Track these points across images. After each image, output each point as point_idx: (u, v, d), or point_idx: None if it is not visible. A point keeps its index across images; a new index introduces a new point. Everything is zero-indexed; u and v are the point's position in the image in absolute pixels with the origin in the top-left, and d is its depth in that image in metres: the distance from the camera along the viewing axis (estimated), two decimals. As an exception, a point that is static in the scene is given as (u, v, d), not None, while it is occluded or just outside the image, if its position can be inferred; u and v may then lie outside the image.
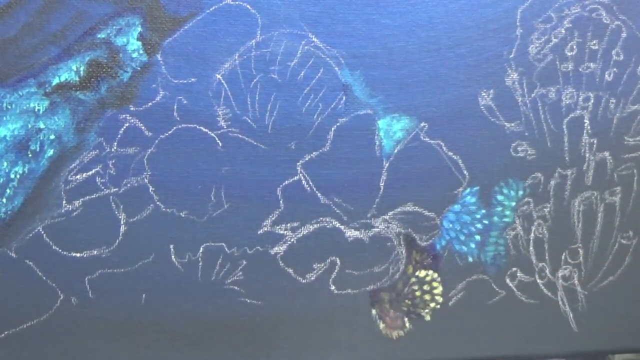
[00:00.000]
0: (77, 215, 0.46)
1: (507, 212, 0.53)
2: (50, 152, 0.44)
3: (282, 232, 0.49)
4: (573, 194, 0.54)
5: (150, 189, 0.46)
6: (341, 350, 0.53)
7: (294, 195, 0.49)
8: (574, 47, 0.51)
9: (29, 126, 0.43)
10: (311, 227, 0.50)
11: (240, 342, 0.51)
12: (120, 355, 0.49)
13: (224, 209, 0.48)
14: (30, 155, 0.44)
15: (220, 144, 0.47)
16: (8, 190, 0.44)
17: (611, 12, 0.51)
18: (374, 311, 0.53)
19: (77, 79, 0.43)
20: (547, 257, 0.54)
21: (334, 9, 0.45)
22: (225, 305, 0.50)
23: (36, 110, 0.43)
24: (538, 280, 0.54)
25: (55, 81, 0.43)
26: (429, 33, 0.47)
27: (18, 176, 0.44)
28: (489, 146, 0.51)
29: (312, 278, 0.51)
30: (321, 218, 0.50)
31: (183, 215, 0.47)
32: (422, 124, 0.50)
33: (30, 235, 0.45)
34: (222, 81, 0.45)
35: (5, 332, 0.47)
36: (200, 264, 0.49)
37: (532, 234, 0.54)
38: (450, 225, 0.53)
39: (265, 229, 0.49)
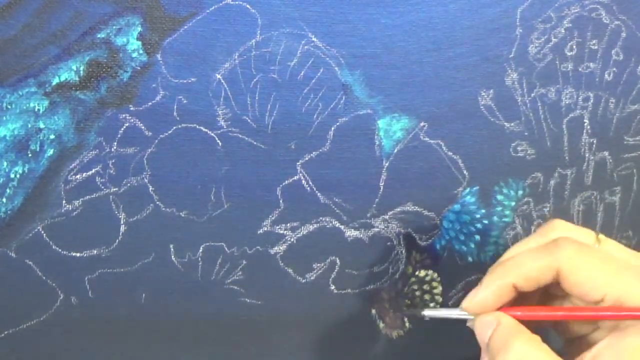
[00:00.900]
0: (77, 215, 0.46)
1: (507, 212, 0.53)
2: (50, 151, 0.44)
3: (282, 231, 0.49)
4: (573, 194, 0.54)
5: (150, 188, 0.46)
6: (341, 350, 0.53)
7: (294, 195, 0.49)
8: (574, 47, 0.51)
9: (29, 126, 0.43)
10: (311, 226, 0.50)
11: (240, 342, 0.51)
12: (120, 355, 0.49)
13: (223, 208, 0.48)
14: (30, 155, 0.44)
15: (220, 144, 0.47)
16: (8, 190, 0.44)
17: (611, 12, 0.51)
18: (373, 311, 0.53)
19: (77, 78, 0.43)
20: (547, 257, 0.54)
21: (334, 9, 0.45)
22: (225, 305, 0.50)
23: (36, 110, 0.43)
24: (538, 280, 0.54)
25: (55, 81, 0.43)
26: (429, 33, 0.47)
27: (18, 176, 0.44)
28: (488, 146, 0.51)
29: (312, 278, 0.51)
30: (321, 218, 0.50)
31: (183, 215, 0.47)
32: (422, 124, 0.50)
33: (30, 235, 0.45)
34: (222, 81, 0.45)
35: (5, 332, 0.47)
36: (200, 263, 0.49)
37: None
38: (450, 225, 0.53)
39: (265, 229, 0.49)
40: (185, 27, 0.44)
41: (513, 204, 0.53)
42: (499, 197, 0.53)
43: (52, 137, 0.44)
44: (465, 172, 0.52)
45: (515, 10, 0.49)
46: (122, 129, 0.45)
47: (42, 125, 0.44)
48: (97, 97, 0.44)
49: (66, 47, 0.43)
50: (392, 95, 0.48)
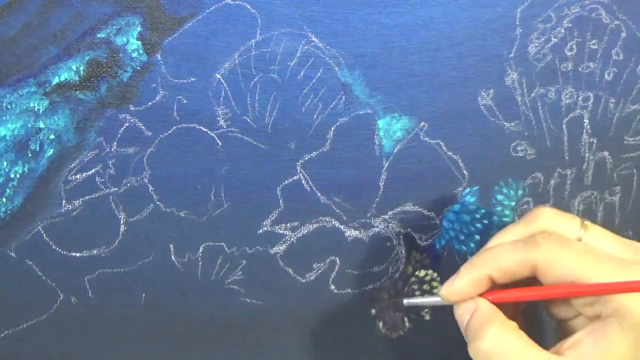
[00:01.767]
0: (77, 215, 0.46)
1: (507, 212, 0.53)
2: (50, 151, 0.44)
3: (282, 231, 0.49)
4: (573, 194, 0.54)
5: (150, 188, 0.46)
6: (341, 350, 0.53)
7: (294, 195, 0.49)
8: (574, 46, 0.51)
9: (29, 126, 0.43)
10: (311, 226, 0.50)
11: (240, 342, 0.51)
12: (120, 355, 0.49)
13: (223, 208, 0.48)
14: (30, 155, 0.44)
15: (220, 144, 0.47)
16: (8, 190, 0.44)
17: (611, 12, 0.51)
18: (373, 311, 0.53)
19: (77, 78, 0.43)
20: (546, 257, 0.54)
21: (334, 9, 0.45)
22: (225, 305, 0.50)
23: (36, 110, 0.43)
24: (538, 280, 0.54)
25: (55, 81, 0.43)
26: (428, 33, 0.47)
27: (18, 176, 0.44)
28: (488, 146, 0.51)
29: (311, 278, 0.51)
30: (321, 218, 0.50)
31: (183, 215, 0.47)
32: (422, 124, 0.50)
33: (30, 235, 0.45)
34: (222, 81, 0.45)
35: (5, 332, 0.47)
36: (200, 263, 0.49)
37: (531, 234, 0.54)
38: (450, 224, 0.53)
39: (265, 229, 0.49)
40: (185, 27, 0.44)
41: (513, 203, 0.53)
42: (499, 197, 0.53)
43: (52, 137, 0.44)
44: (465, 172, 0.52)
45: (515, 10, 0.49)
46: (122, 129, 0.45)
47: (42, 125, 0.44)
48: (97, 97, 0.44)
49: (66, 47, 0.43)
50: (392, 95, 0.48)
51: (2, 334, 0.47)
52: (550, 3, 0.50)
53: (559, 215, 0.41)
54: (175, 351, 0.50)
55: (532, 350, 0.37)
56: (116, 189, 0.46)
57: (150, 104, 0.45)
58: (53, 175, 0.45)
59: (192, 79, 0.45)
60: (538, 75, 0.51)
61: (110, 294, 0.48)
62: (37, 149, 0.44)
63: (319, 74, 0.47)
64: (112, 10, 0.43)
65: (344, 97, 0.48)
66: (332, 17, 0.46)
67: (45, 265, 0.46)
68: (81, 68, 0.43)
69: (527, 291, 0.40)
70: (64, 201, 0.45)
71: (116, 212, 0.46)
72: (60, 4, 0.42)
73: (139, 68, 0.44)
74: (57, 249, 0.46)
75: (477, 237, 0.53)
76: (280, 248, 0.50)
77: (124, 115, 0.45)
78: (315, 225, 0.50)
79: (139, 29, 0.44)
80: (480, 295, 0.40)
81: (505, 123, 0.51)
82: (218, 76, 0.45)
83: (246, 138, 0.47)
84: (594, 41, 0.51)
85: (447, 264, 0.53)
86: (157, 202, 0.47)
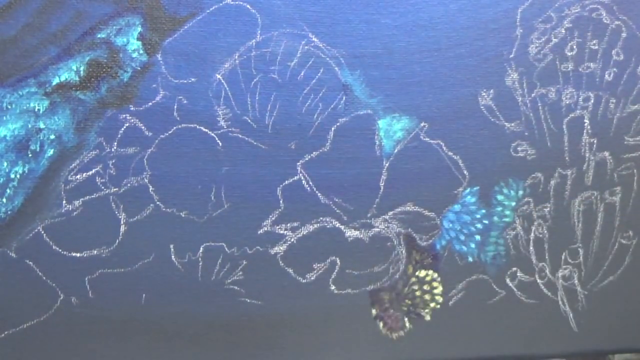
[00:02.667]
0: (77, 215, 0.46)
1: (507, 212, 0.53)
2: (50, 152, 0.44)
3: (282, 232, 0.49)
4: (573, 194, 0.54)
5: (150, 188, 0.46)
6: (341, 350, 0.53)
7: (294, 195, 0.49)
8: (574, 47, 0.51)
9: (29, 126, 0.43)
10: (311, 227, 0.50)
11: (240, 342, 0.51)
12: (120, 355, 0.49)
13: (224, 209, 0.48)
14: (30, 155, 0.44)
15: (220, 144, 0.47)
16: (8, 190, 0.44)
17: (611, 12, 0.51)
18: (374, 311, 0.53)
19: (77, 78, 0.43)
20: (547, 257, 0.54)
21: (334, 9, 0.45)
22: (225, 305, 0.50)
23: (36, 110, 0.43)
24: (538, 280, 0.54)
25: (55, 81, 0.43)
26: (429, 33, 0.47)
27: (18, 176, 0.44)
28: (489, 146, 0.51)
29: (312, 278, 0.51)
30: (321, 218, 0.50)
31: (183, 215, 0.47)
32: (422, 124, 0.50)
33: (30, 235, 0.45)
34: (222, 81, 0.45)
35: (5, 332, 0.47)
36: (200, 263, 0.49)
37: (532, 234, 0.54)
38: (450, 225, 0.53)
39: (265, 229, 0.49)
40: (185, 27, 0.44)
41: (513, 204, 0.53)
42: (499, 197, 0.53)
43: (52, 137, 0.44)
44: (465, 172, 0.52)
45: (515, 11, 0.49)
46: (122, 129, 0.45)
47: (42, 126, 0.44)
48: (97, 97, 0.44)
49: (66, 47, 0.43)
50: (392, 96, 0.48)
51: (3, 334, 0.47)
52: (551, 3, 0.50)
53: None
54: (176, 351, 0.50)
55: None
56: (116, 189, 0.46)
57: (150, 104, 0.45)
58: (53, 175, 0.45)
59: (193, 79, 0.45)
60: (538, 75, 0.51)
61: (111, 294, 0.48)
62: (37, 149, 0.44)
63: (319, 74, 0.47)
64: (112, 11, 0.43)
65: (344, 98, 0.48)
66: (333, 17, 0.46)
67: (46, 266, 0.46)
68: (81, 68, 0.43)
69: None
70: (64, 201, 0.45)
71: (116, 213, 0.46)
72: (60, 5, 0.42)
73: (139, 68, 0.44)
74: (58, 249, 0.46)
75: (478, 237, 0.53)
76: (281, 248, 0.50)
77: (124, 115, 0.45)
78: (315, 226, 0.50)
79: (139, 29, 0.44)
80: None
81: (505, 123, 0.51)
82: (218, 76, 0.45)
83: (246, 138, 0.47)
84: (594, 41, 0.51)
85: (447, 264, 0.53)
86: (158, 203, 0.47)
